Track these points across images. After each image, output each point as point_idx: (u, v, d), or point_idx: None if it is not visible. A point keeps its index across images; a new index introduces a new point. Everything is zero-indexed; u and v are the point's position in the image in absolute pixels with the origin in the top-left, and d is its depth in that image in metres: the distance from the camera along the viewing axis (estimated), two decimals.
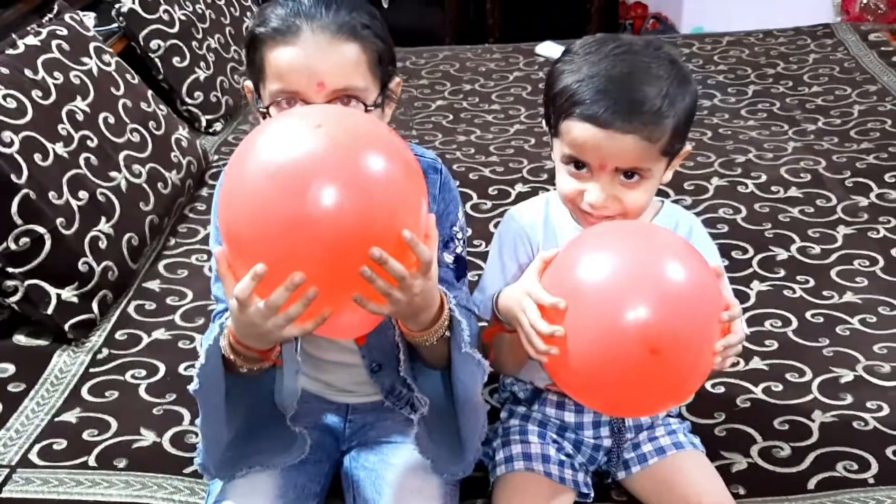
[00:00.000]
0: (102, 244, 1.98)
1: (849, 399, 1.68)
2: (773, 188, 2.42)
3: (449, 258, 1.39)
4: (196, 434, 1.61)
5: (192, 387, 1.20)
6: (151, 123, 2.34)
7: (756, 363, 1.78)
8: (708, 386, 1.71)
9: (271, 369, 1.31)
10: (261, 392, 1.34)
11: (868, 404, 1.67)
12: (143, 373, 1.80)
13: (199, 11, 2.96)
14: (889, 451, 1.55)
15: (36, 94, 2.02)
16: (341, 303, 1.08)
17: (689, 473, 1.42)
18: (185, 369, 1.79)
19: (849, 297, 1.98)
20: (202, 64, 2.88)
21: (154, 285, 2.08)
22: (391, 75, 1.33)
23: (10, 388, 1.77)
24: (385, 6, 4.18)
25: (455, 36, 4.25)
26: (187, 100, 2.82)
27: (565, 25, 3.99)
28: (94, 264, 1.94)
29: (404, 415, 1.45)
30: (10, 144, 1.86)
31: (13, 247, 1.83)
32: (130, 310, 2.00)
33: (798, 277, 2.04)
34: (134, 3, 2.75)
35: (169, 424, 1.66)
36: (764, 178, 2.47)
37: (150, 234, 2.15)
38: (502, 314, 1.31)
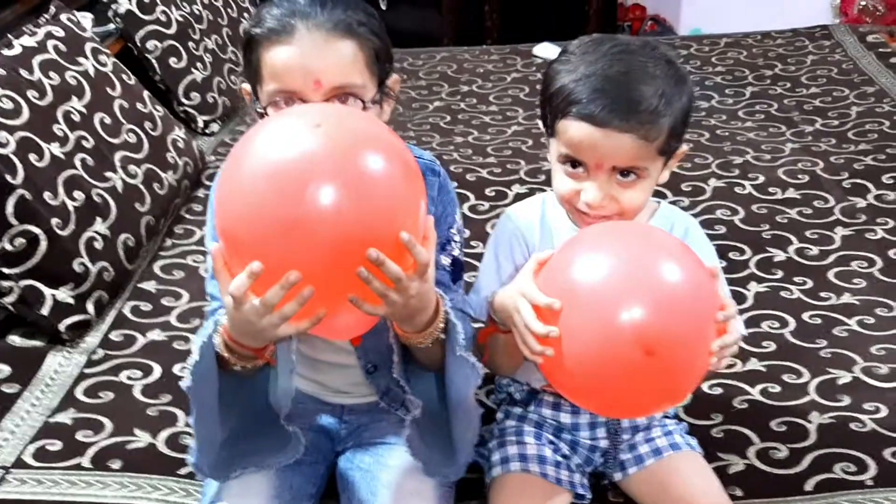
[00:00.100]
0: (98, 245, 1.97)
1: (846, 400, 1.68)
2: (771, 189, 2.41)
3: (446, 260, 1.38)
4: (190, 435, 1.60)
5: (184, 383, 1.19)
6: (148, 124, 2.33)
7: (753, 364, 1.77)
8: (705, 387, 1.71)
9: (265, 368, 1.30)
10: (255, 392, 1.33)
11: (866, 406, 1.66)
12: (139, 374, 1.79)
13: (197, 12, 2.96)
14: (887, 453, 1.55)
15: (32, 94, 2.01)
16: (337, 303, 1.08)
17: (686, 475, 1.41)
18: (181, 370, 1.79)
19: (846, 298, 1.97)
20: (199, 65, 2.88)
21: (150, 286, 2.08)
22: (388, 72, 1.32)
23: (5, 388, 1.76)
24: (383, 8, 4.18)
25: (453, 38, 4.24)
26: (184, 101, 2.81)
27: (563, 27, 3.98)
28: (89, 265, 1.93)
29: (399, 416, 1.44)
30: (6, 145, 1.86)
31: (8, 247, 1.83)
32: (126, 311, 1.99)
33: (796, 278, 2.04)
34: (131, 4, 2.75)
35: (164, 425, 1.65)
36: (762, 179, 2.47)
37: (146, 235, 2.15)
38: (497, 315, 1.31)
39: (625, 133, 1.21)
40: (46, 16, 2.30)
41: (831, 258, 2.11)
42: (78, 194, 1.97)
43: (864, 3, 4.29)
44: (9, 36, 2.11)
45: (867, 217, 2.27)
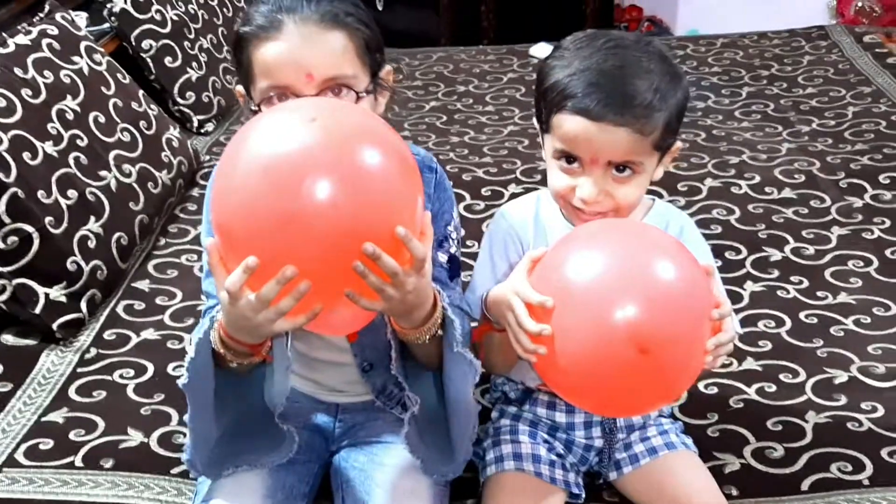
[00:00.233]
0: (91, 243, 1.96)
1: (843, 400, 1.67)
2: (767, 189, 2.41)
3: (443, 257, 1.38)
4: (184, 434, 1.59)
5: (181, 381, 1.19)
6: (142, 123, 2.33)
7: (749, 364, 1.77)
8: (701, 386, 1.70)
9: (261, 366, 1.30)
10: (250, 390, 1.33)
11: (862, 405, 1.65)
12: (132, 373, 1.79)
13: (192, 12, 2.95)
14: (884, 453, 1.54)
15: (26, 92, 2.01)
16: (333, 298, 1.07)
17: (681, 474, 1.40)
18: (174, 369, 1.78)
19: (843, 297, 1.97)
20: (194, 64, 2.87)
21: (143, 285, 2.07)
22: (381, 63, 1.32)
23: None
24: (380, 8, 4.18)
25: (450, 38, 4.24)
26: (179, 100, 2.80)
27: (560, 28, 3.96)
28: (82, 263, 1.92)
29: (395, 415, 1.44)
30: None
31: (1, 245, 1.82)
32: (119, 309, 1.98)
33: (792, 278, 2.03)
34: (126, 3, 2.74)
35: (156, 425, 1.64)
36: (758, 178, 2.46)
37: (139, 234, 2.14)
38: (491, 313, 1.30)
39: (620, 127, 1.20)
40: (41, 14, 2.29)
41: (828, 257, 2.11)
42: (71, 193, 1.97)
43: (860, 4, 4.29)
44: (3, 34, 2.10)
45: (864, 217, 2.26)
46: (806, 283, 2.01)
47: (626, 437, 1.45)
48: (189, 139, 2.61)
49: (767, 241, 2.18)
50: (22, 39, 2.12)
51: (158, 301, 2.01)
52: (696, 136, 2.73)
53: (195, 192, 2.45)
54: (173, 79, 2.80)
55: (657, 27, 4.53)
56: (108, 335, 1.90)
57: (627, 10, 4.62)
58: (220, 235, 1.08)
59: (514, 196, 2.38)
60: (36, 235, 1.85)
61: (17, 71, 2.03)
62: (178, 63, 2.81)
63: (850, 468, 1.51)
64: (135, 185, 2.17)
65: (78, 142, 2.07)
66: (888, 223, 2.23)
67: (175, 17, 2.86)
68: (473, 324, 1.38)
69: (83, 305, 1.92)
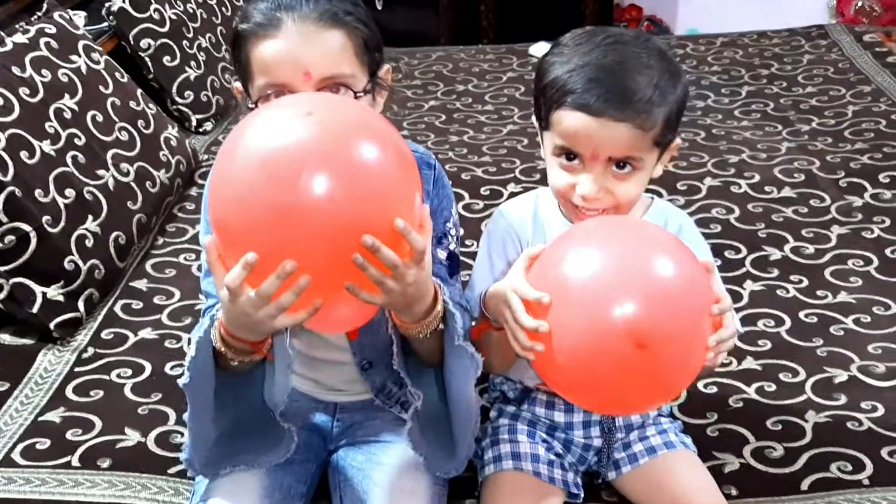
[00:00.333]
0: (89, 242, 1.96)
1: (843, 399, 1.66)
2: (767, 188, 2.40)
3: (442, 254, 1.38)
4: (181, 433, 1.59)
5: (181, 380, 1.18)
6: (140, 122, 2.32)
7: (749, 363, 1.76)
8: (700, 386, 1.69)
9: (262, 365, 1.29)
10: (250, 390, 1.32)
11: (862, 405, 1.65)
12: (129, 372, 1.78)
13: (190, 11, 2.95)
14: (884, 452, 1.54)
15: (23, 91, 2.00)
16: (334, 292, 1.07)
17: (680, 473, 1.40)
18: (172, 369, 1.77)
19: (843, 296, 1.96)
20: (193, 63, 2.86)
21: (141, 284, 2.06)
22: (379, 63, 1.32)
23: None
24: (379, 8, 4.17)
25: (450, 38, 4.24)
26: (177, 99, 2.80)
27: (559, 27, 3.95)
28: (80, 263, 1.92)
29: (394, 413, 1.44)
30: None
31: None
32: (117, 309, 1.98)
33: (792, 277, 2.03)
34: (124, 2, 2.74)
35: (154, 424, 1.63)
36: (757, 178, 2.46)
37: (137, 233, 2.13)
38: (489, 311, 1.30)
39: (620, 122, 1.20)
40: (39, 13, 2.29)
41: (827, 257, 2.10)
42: (69, 192, 1.96)
43: (860, 3, 4.29)
44: (1, 33, 2.10)
45: (863, 216, 2.26)
46: (806, 283, 2.01)
47: (624, 436, 1.44)
48: (187, 138, 2.61)
49: (767, 240, 2.17)
50: (20, 38, 2.12)
51: (156, 300, 2.01)
52: (695, 135, 2.72)
53: (193, 191, 2.45)
54: (172, 78, 2.79)
55: (657, 26, 4.52)
56: (106, 334, 1.90)
57: (627, 10, 4.61)
58: (218, 231, 1.08)
59: (513, 195, 2.37)
60: (33, 234, 1.85)
61: (15, 70, 2.02)
62: (176, 62, 2.81)
63: (850, 468, 1.50)
64: (133, 185, 2.17)
65: (76, 141, 2.06)
66: (888, 222, 2.22)
67: (173, 17, 2.85)
68: (472, 323, 1.37)
69: (80, 305, 1.91)
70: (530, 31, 3.85)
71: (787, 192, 2.38)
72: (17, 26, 2.17)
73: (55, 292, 1.87)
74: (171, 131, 2.45)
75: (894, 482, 1.47)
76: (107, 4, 2.73)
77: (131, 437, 1.61)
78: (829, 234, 2.19)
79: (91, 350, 1.85)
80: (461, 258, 1.45)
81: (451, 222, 1.41)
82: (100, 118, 2.18)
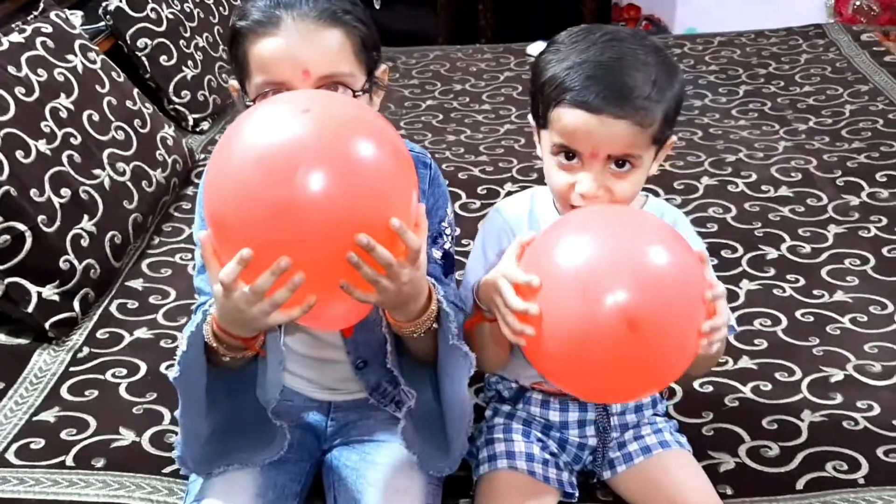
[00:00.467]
0: (84, 242, 1.95)
1: (839, 398, 1.66)
2: (764, 187, 2.40)
3: (437, 253, 1.37)
4: (175, 433, 1.59)
5: (172, 374, 1.19)
6: (137, 121, 2.32)
7: (745, 362, 1.76)
8: (696, 385, 1.69)
9: (254, 362, 1.29)
10: (243, 387, 1.32)
11: (858, 404, 1.65)
12: (124, 372, 1.78)
13: (188, 10, 2.95)
14: (880, 452, 1.53)
15: (19, 90, 2.00)
16: (328, 290, 1.07)
17: (675, 473, 1.39)
18: (167, 368, 1.77)
19: (839, 296, 1.96)
20: (189, 63, 2.86)
21: (137, 284, 2.06)
22: (377, 62, 1.31)
23: None
24: (377, 7, 4.17)
25: (447, 37, 4.24)
26: (174, 98, 2.80)
27: (557, 27, 3.95)
28: (75, 262, 1.91)
29: (388, 412, 1.43)
30: None
31: None
32: (112, 308, 1.98)
33: (788, 276, 2.03)
34: (121, 1, 2.73)
35: (149, 424, 1.63)
36: (754, 177, 2.45)
37: (133, 233, 2.13)
38: (482, 301, 1.29)
39: (620, 119, 1.19)
40: (35, 13, 2.28)
41: (824, 256, 2.10)
42: (64, 191, 1.96)
43: (858, 2, 4.29)
44: None
45: (860, 215, 2.25)
46: (802, 282, 2.01)
47: (619, 435, 1.44)
48: (184, 138, 2.61)
49: (763, 239, 2.17)
50: (16, 38, 2.11)
51: (152, 300, 2.01)
52: (692, 134, 2.72)
53: (190, 190, 2.44)
54: (168, 77, 2.79)
55: (655, 26, 4.52)
56: (101, 334, 1.90)
57: (625, 9, 4.61)
58: (213, 227, 1.08)
59: (510, 195, 2.37)
60: (28, 234, 1.84)
61: (11, 69, 2.02)
62: (173, 62, 2.80)
63: (845, 467, 1.50)
64: (129, 184, 2.16)
65: (71, 140, 2.06)
66: (885, 221, 2.22)
67: (170, 16, 2.85)
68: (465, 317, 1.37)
69: (76, 304, 1.91)
70: (528, 30, 3.84)
71: (783, 191, 2.38)
72: (13, 25, 2.16)
73: (50, 292, 1.87)
74: (168, 131, 2.45)
75: (890, 481, 1.47)
76: (103, 4, 2.73)
77: (126, 436, 1.61)
78: (826, 234, 2.18)
79: (86, 350, 1.85)
80: (457, 258, 1.44)
81: (446, 221, 1.40)
82: (96, 117, 2.17)
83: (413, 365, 1.37)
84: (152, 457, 1.56)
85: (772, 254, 2.11)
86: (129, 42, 2.74)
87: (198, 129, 2.83)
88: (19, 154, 1.89)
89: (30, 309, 1.85)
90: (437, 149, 2.69)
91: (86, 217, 1.98)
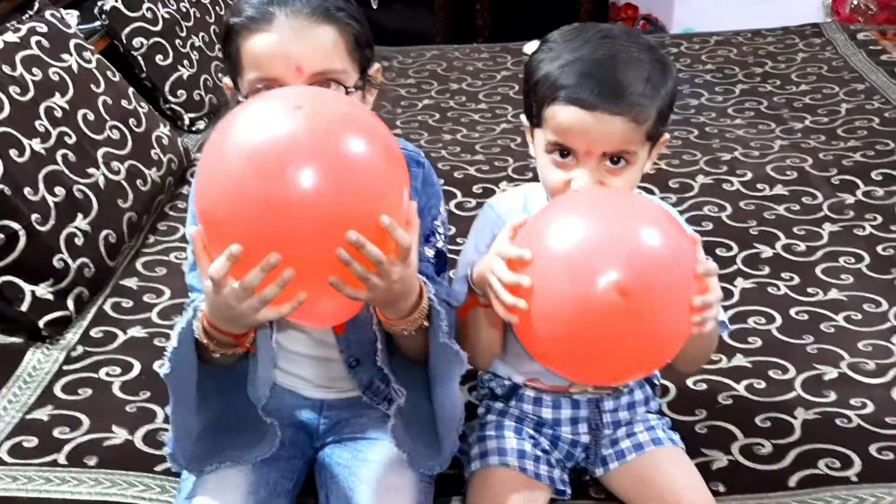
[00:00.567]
0: (79, 241, 1.95)
1: (832, 396, 1.66)
2: (759, 186, 2.40)
3: (430, 252, 1.37)
4: (168, 430, 1.58)
5: (162, 370, 1.19)
6: (132, 121, 2.32)
7: (739, 360, 1.76)
8: (689, 383, 1.69)
9: (244, 359, 1.29)
10: (233, 384, 1.32)
11: (852, 401, 1.65)
12: (118, 370, 1.78)
13: (184, 10, 2.94)
14: (873, 449, 1.53)
15: (13, 90, 2.00)
16: (318, 287, 1.07)
17: (668, 470, 1.40)
18: (160, 367, 1.76)
19: (834, 294, 1.96)
20: (186, 62, 2.86)
21: (132, 283, 2.06)
22: (370, 60, 1.31)
23: None
24: (374, 6, 4.17)
25: (444, 37, 4.23)
26: (170, 98, 2.80)
27: (554, 26, 3.95)
28: (69, 261, 1.91)
29: (381, 410, 1.43)
30: None
31: None
32: (107, 307, 1.97)
33: (783, 274, 2.03)
34: (117, 1, 2.73)
35: (142, 422, 1.63)
36: (750, 175, 2.45)
37: (128, 232, 2.13)
38: (477, 285, 1.28)
39: (616, 116, 1.19)
40: (31, 12, 2.28)
41: (819, 254, 2.10)
42: (59, 190, 1.96)
43: (855, 2, 4.29)
44: None
45: (855, 213, 2.25)
46: (797, 280, 2.01)
47: (612, 432, 1.44)
48: (180, 137, 2.60)
49: (759, 237, 2.17)
50: (11, 37, 2.11)
51: (146, 299, 2.00)
52: (688, 133, 2.72)
53: (185, 189, 2.44)
54: (164, 77, 2.79)
55: (653, 25, 4.52)
56: (95, 333, 1.89)
57: (623, 9, 4.61)
58: (204, 223, 1.08)
59: None
60: (22, 233, 1.84)
61: (6, 68, 2.02)
62: (169, 61, 2.80)
63: (838, 464, 1.50)
64: (123, 183, 2.16)
65: (66, 139, 2.06)
66: (880, 219, 2.22)
67: (166, 15, 2.85)
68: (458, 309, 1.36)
69: (70, 303, 1.91)
70: (525, 30, 3.84)
71: (779, 189, 2.38)
72: (8, 25, 2.16)
73: (44, 291, 1.87)
74: (163, 130, 2.45)
75: (882, 479, 1.47)
76: (99, 3, 2.73)
77: (119, 434, 1.61)
78: (821, 232, 2.18)
79: (80, 349, 1.85)
80: (450, 256, 1.44)
81: (439, 220, 1.40)
82: (91, 117, 2.17)
83: (404, 363, 1.37)
84: (145, 455, 1.56)
85: (766, 252, 2.11)
86: (124, 41, 2.74)
87: (194, 129, 2.83)
88: (13, 153, 1.89)
89: (23, 308, 1.85)
90: (433, 148, 2.69)
91: (80, 216, 1.98)
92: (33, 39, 2.16)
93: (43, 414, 1.66)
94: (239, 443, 1.33)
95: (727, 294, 1.94)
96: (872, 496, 1.44)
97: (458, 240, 2.11)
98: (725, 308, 1.80)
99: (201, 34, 2.99)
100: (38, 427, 1.63)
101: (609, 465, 1.43)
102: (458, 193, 2.41)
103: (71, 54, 2.24)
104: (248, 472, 1.34)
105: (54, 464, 1.54)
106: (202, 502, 1.30)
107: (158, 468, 1.52)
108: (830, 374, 1.72)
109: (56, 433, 1.61)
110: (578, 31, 1.27)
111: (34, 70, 2.09)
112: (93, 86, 2.25)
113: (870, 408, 1.63)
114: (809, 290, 1.97)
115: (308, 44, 1.23)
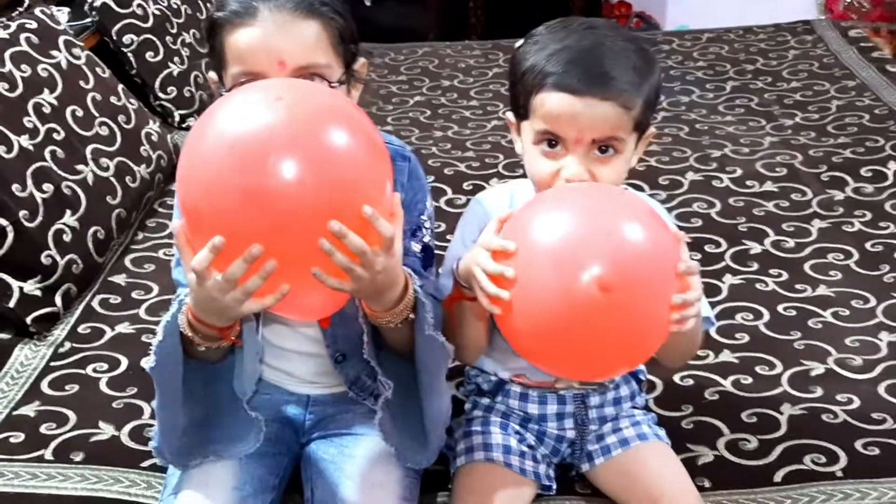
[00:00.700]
0: (67, 237, 1.95)
1: (819, 392, 1.66)
2: (749, 182, 2.40)
3: (416, 247, 1.37)
4: (154, 425, 1.58)
5: (148, 364, 1.19)
6: (121, 117, 2.31)
7: (726, 356, 1.76)
8: (676, 379, 1.69)
9: (230, 353, 1.29)
10: (219, 378, 1.32)
11: (838, 397, 1.65)
12: (105, 366, 1.77)
13: (174, 6, 2.94)
14: (858, 444, 1.53)
15: (2, 86, 2.00)
16: (301, 278, 1.07)
17: (653, 465, 1.39)
18: (146, 361, 1.76)
19: (822, 290, 1.96)
20: (176, 59, 2.85)
21: (120, 279, 2.06)
22: (355, 55, 1.32)
23: None
24: (368, 4, 4.17)
25: (438, 34, 4.23)
26: (160, 95, 2.79)
27: None
28: (57, 257, 1.91)
29: (367, 406, 1.43)
30: None
31: None
32: (95, 303, 1.97)
33: (771, 271, 2.03)
34: None
35: (128, 418, 1.63)
36: (739, 172, 2.46)
37: (116, 228, 2.13)
38: (462, 278, 1.28)
39: (605, 101, 1.20)
40: (20, 9, 2.28)
41: (808, 250, 2.10)
42: (47, 186, 1.95)
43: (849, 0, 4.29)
44: None
45: (845, 209, 2.26)
46: (785, 276, 2.01)
47: (598, 428, 1.44)
48: (170, 134, 2.60)
49: (747, 234, 2.17)
50: (0, 33, 2.11)
51: (134, 295, 2.00)
52: (678, 130, 2.72)
53: (174, 186, 2.43)
54: (154, 73, 2.78)
55: (646, 23, 4.51)
56: (83, 329, 1.89)
57: (616, 6, 4.61)
58: (187, 215, 1.08)
59: None
60: (10, 229, 1.84)
61: None
62: (159, 58, 2.80)
63: (823, 460, 1.50)
64: (112, 180, 2.16)
65: (54, 135, 2.05)
66: (869, 216, 2.23)
67: (157, 12, 2.84)
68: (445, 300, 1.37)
69: (58, 299, 1.90)
70: (519, 27, 3.82)
71: (768, 186, 2.38)
72: None
73: (32, 287, 1.87)
74: (153, 126, 2.44)
75: (868, 474, 1.47)
76: (89, 0, 2.72)
77: (105, 430, 1.60)
78: (810, 228, 2.19)
79: (68, 345, 1.84)
80: (437, 252, 1.44)
81: (425, 215, 1.40)
82: (80, 113, 2.17)
83: (391, 357, 1.37)
84: (131, 451, 1.56)
85: (755, 248, 2.11)
86: (114, 38, 2.73)
87: (184, 126, 2.82)
88: (1, 150, 1.89)
89: (11, 304, 1.84)
90: (423, 144, 2.69)
91: (68, 212, 1.98)
92: (23, 36, 2.16)
93: (30, 410, 1.66)
94: (224, 437, 1.33)
95: (715, 290, 1.94)
96: (857, 491, 1.44)
97: (448, 236, 2.12)
98: (713, 304, 1.80)
99: (191, 31, 2.98)
100: (24, 423, 1.63)
101: (595, 461, 1.43)
102: (449, 190, 2.41)
103: (60, 51, 2.23)
104: (234, 467, 1.34)
105: (41, 459, 1.54)
106: (187, 497, 1.30)
107: (144, 464, 1.52)
108: (817, 369, 1.72)
109: (43, 429, 1.61)
110: (563, 24, 1.28)
111: (23, 66, 2.09)
112: (82, 82, 2.25)
113: (856, 403, 1.63)
114: (798, 286, 1.98)
115: (291, 38, 1.23)
